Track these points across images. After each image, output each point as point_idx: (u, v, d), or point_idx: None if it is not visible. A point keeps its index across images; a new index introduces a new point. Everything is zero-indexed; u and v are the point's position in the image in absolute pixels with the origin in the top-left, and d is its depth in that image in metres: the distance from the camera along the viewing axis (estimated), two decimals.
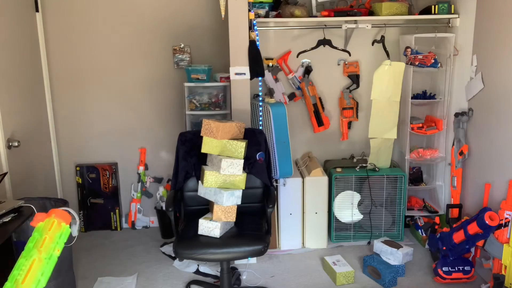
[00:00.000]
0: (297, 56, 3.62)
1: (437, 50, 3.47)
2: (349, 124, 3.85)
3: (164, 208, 3.62)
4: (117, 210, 3.92)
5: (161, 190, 3.86)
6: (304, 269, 3.26)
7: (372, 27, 3.51)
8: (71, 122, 3.78)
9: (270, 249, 3.48)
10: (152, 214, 3.98)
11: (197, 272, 3.23)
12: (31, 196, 2.94)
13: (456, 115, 3.36)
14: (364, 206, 3.56)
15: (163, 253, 3.52)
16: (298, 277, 3.16)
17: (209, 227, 2.60)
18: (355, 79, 3.76)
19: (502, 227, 2.71)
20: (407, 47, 3.39)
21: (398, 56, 3.70)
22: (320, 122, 3.76)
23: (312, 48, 3.58)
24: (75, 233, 2.79)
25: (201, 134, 2.69)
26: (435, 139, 3.64)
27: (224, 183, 2.63)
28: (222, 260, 2.64)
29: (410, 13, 3.49)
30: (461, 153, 3.31)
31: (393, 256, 3.13)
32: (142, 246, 3.65)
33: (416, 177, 3.79)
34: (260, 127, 3.36)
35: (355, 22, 3.50)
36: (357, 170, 3.56)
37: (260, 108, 3.36)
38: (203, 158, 2.84)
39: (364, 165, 3.60)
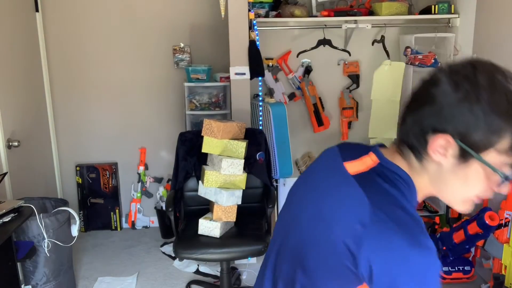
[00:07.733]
0: (297, 56, 3.62)
1: (437, 50, 3.47)
2: (349, 124, 3.85)
3: (164, 208, 3.63)
4: (117, 210, 3.92)
5: (161, 190, 3.86)
6: None
7: (372, 27, 3.51)
8: (71, 122, 3.78)
9: None
10: (152, 214, 3.97)
11: (197, 272, 3.23)
12: (31, 196, 2.94)
13: None
14: None
15: (163, 253, 3.52)
16: None
17: (209, 227, 2.60)
18: (355, 79, 3.76)
19: (502, 227, 2.71)
20: (407, 47, 3.39)
21: (398, 56, 3.70)
22: (320, 122, 3.76)
23: (312, 48, 3.57)
24: (75, 233, 2.81)
25: (202, 134, 2.68)
26: None
27: (224, 183, 2.63)
28: (222, 260, 2.64)
29: (410, 13, 3.49)
30: None
31: None
32: (142, 246, 3.65)
33: None
34: (260, 127, 3.36)
35: (355, 22, 3.50)
36: None
37: (260, 108, 3.35)
38: (203, 158, 2.84)
39: None
